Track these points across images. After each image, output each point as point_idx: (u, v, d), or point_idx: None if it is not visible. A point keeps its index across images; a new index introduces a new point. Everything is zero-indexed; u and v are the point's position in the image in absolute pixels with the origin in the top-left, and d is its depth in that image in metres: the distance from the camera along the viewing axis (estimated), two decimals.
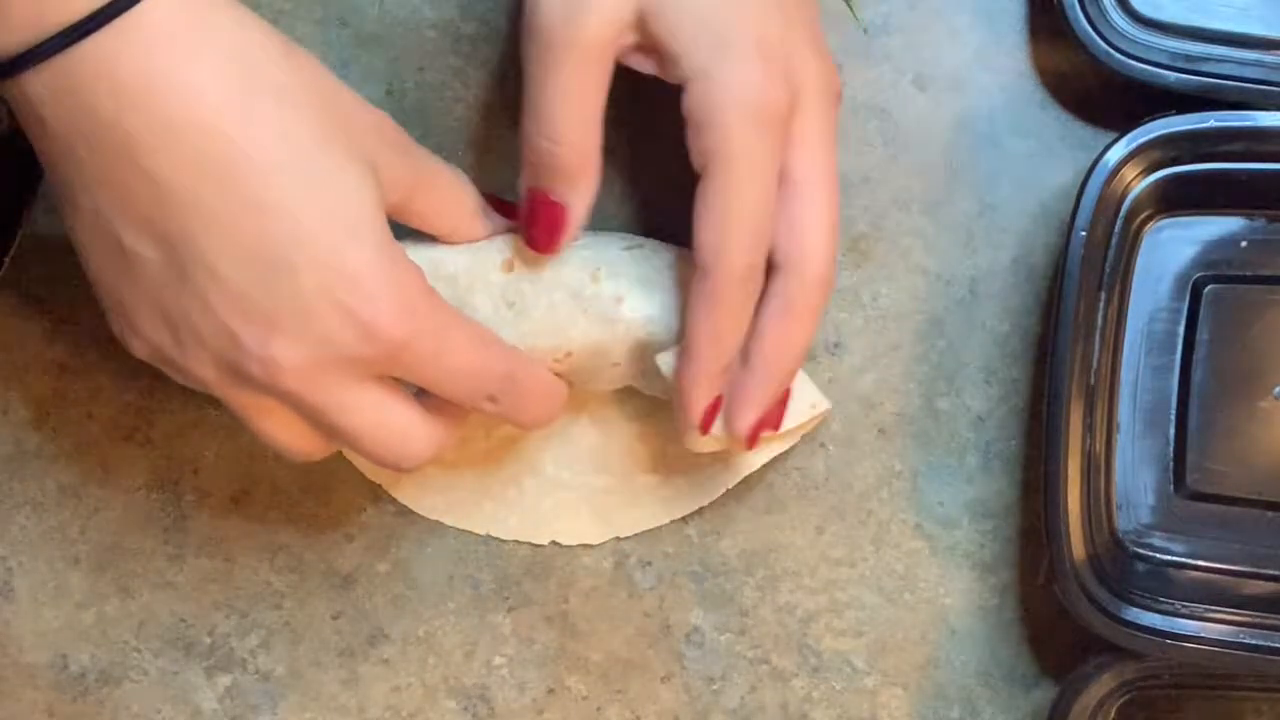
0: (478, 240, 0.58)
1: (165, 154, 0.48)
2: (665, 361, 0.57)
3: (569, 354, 0.57)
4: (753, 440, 0.58)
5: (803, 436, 0.64)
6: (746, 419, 0.57)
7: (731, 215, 0.53)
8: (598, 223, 0.63)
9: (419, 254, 0.57)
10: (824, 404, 0.62)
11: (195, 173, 0.49)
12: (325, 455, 0.56)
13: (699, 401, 0.56)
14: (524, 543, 0.65)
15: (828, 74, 0.55)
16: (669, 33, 0.53)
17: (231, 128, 0.49)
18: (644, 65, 0.55)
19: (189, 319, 0.51)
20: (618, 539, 0.65)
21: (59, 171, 0.51)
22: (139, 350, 0.53)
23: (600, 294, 0.57)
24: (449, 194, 0.56)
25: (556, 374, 0.58)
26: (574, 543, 0.65)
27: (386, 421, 0.53)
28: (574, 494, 0.64)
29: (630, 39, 0.54)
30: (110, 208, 0.50)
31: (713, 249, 0.54)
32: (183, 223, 0.49)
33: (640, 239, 0.60)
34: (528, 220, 0.56)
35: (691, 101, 0.53)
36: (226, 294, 0.50)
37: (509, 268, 0.57)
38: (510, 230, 0.58)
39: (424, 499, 0.64)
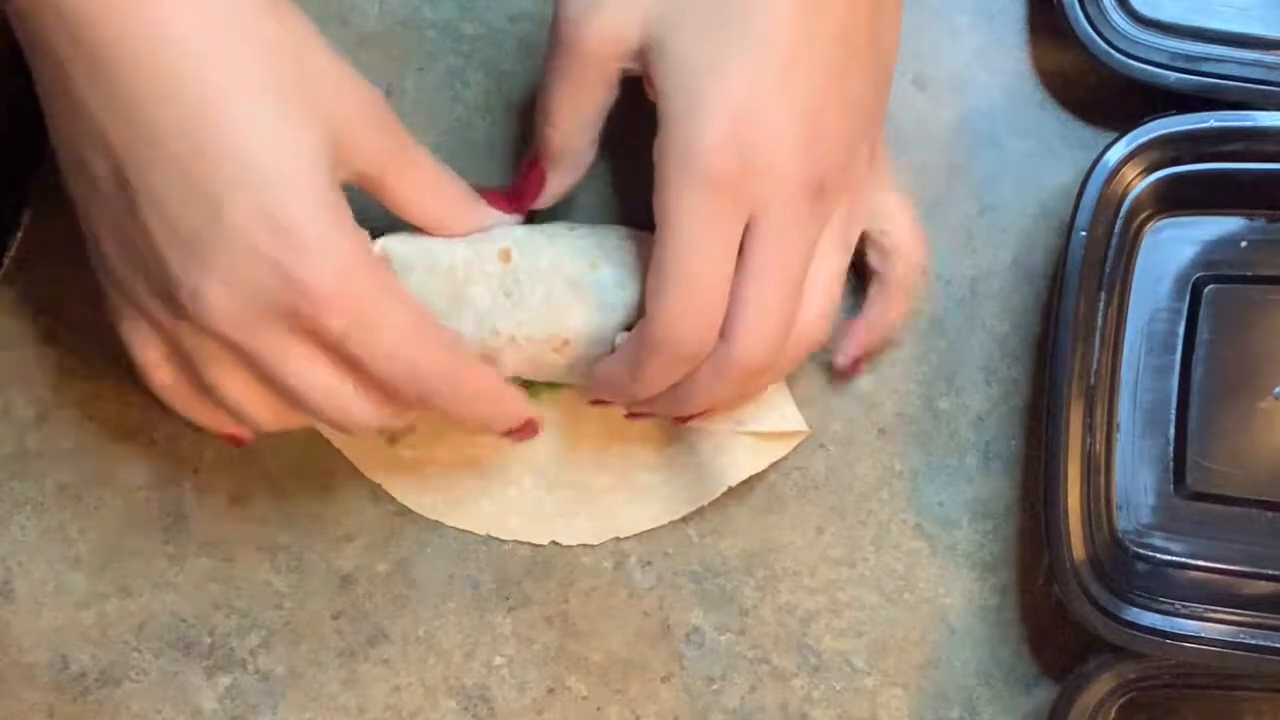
0: (463, 232, 0.58)
1: (122, 68, 0.49)
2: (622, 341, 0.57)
3: (566, 342, 0.57)
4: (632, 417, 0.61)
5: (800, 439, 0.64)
6: (632, 408, 0.59)
7: (663, 271, 0.52)
8: (597, 219, 0.63)
9: (416, 245, 0.57)
10: (799, 425, 0.63)
11: (148, 89, 0.49)
12: (287, 421, 0.56)
13: (595, 395, 0.58)
14: (524, 543, 0.65)
15: (806, 173, 0.53)
16: (657, 72, 0.53)
17: (193, 52, 0.49)
18: (651, 94, 0.55)
19: (133, 241, 0.52)
20: (618, 539, 0.65)
21: (43, 86, 0.52)
22: (105, 279, 0.54)
23: (599, 280, 0.57)
24: (429, 182, 0.56)
25: (554, 364, 0.58)
26: (574, 543, 0.65)
27: (324, 382, 0.53)
28: (574, 494, 0.64)
29: (634, 63, 0.54)
30: (76, 123, 0.51)
31: (650, 300, 0.53)
32: (131, 141, 0.50)
33: (637, 231, 0.60)
34: (516, 175, 0.59)
35: (655, 144, 0.53)
36: (161, 218, 0.51)
37: (506, 258, 0.57)
38: (505, 222, 0.59)
39: (424, 499, 0.64)
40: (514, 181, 0.59)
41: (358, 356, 0.52)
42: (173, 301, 0.52)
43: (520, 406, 0.57)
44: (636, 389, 0.56)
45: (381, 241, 0.58)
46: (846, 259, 0.57)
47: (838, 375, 0.64)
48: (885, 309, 0.62)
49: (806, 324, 0.56)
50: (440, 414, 0.55)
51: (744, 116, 0.51)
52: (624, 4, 0.53)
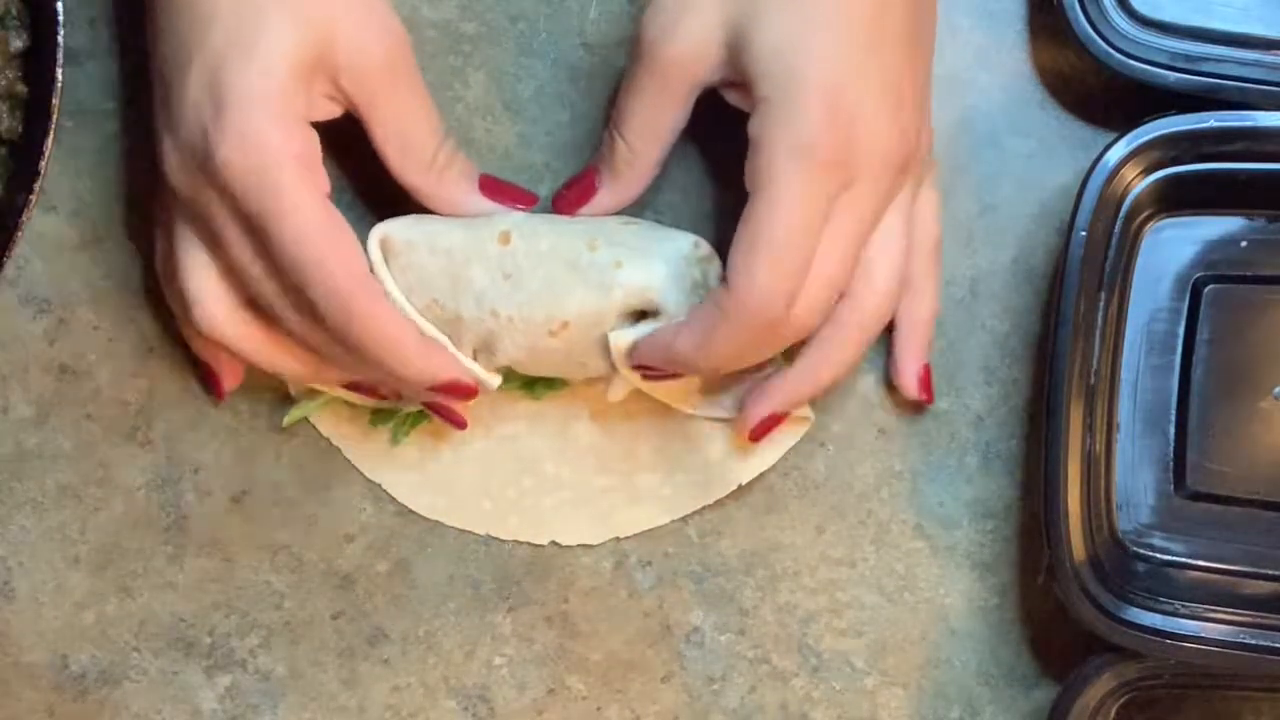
0: (443, 209, 0.58)
1: None
2: (619, 340, 0.58)
3: (565, 324, 0.57)
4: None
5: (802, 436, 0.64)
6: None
7: (762, 240, 0.53)
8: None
9: (417, 228, 0.58)
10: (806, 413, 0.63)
11: None
12: (232, 323, 0.57)
13: (642, 360, 0.58)
14: (524, 543, 0.65)
15: (897, 144, 0.55)
16: (750, 60, 0.54)
17: None
18: (736, 100, 0.56)
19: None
20: (618, 539, 0.65)
21: None
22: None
23: (597, 261, 0.57)
24: (407, 125, 0.57)
25: (552, 348, 0.58)
26: (574, 543, 0.65)
27: (250, 257, 0.55)
28: (574, 494, 0.64)
29: (720, 74, 0.56)
30: None
31: (739, 267, 0.54)
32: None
33: (634, 218, 0.60)
34: (568, 181, 0.61)
35: (751, 123, 0.54)
36: (160, 76, 0.55)
37: (505, 240, 0.58)
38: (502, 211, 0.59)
39: (424, 499, 0.64)
40: (566, 182, 0.61)
41: (263, 240, 0.53)
42: (162, 133, 0.55)
43: (437, 360, 0.57)
44: (701, 357, 0.56)
45: (382, 226, 0.58)
46: (909, 227, 0.58)
47: (917, 399, 0.63)
48: (918, 303, 0.62)
49: (872, 292, 0.58)
50: (341, 346, 0.56)
51: (839, 92, 0.53)
52: (702, 14, 0.55)
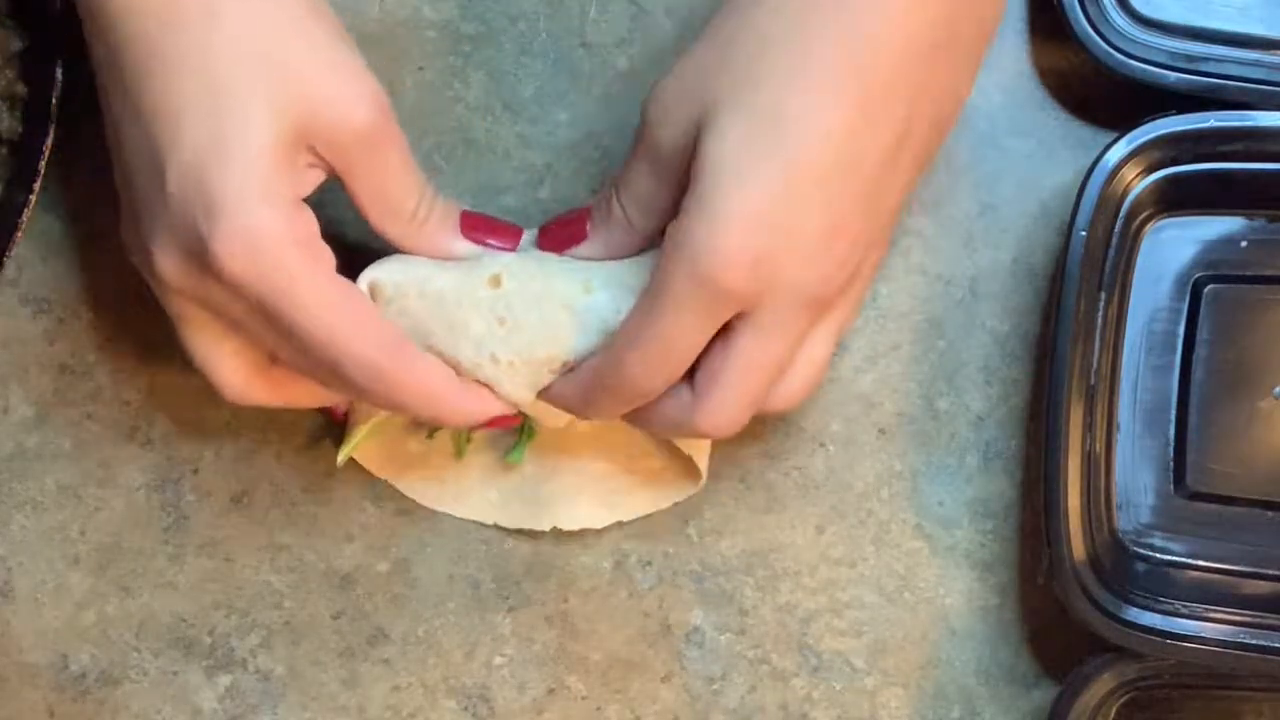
0: (424, 252, 0.57)
1: (111, 9, 0.51)
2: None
3: (565, 364, 0.56)
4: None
5: (801, 434, 0.64)
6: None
7: (638, 334, 0.53)
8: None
9: (404, 272, 0.56)
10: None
11: (126, 38, 0.51)
12: (265, 389, 0.57)
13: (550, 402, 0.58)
14: (524, 542, 0.65)
15: (811, 288, 0.52)
16: (699, 152, 0.52)
17: (193, 10, 0.51)
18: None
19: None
20: (617, 540, 0.65)
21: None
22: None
23: (595, 304, 0.56)
24: (388, 185, 0.55)
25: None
26: (575, 528, 0.64)
27: (209, 354, 0.55)
28: (575, 479, 0.64)
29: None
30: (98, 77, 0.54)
31: (617, 346, 0.54)
32: (113, 91, 0.52)
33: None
34: (559, 218, 0.58)
35: (671, 226, 0.52)
36: (124, 152, 0.53)
37: (496, 283, 0.56)
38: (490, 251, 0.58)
39: (426, 488, 0.64)
40: (552, 222, 0.58)
41: (280, 325, 0.53)
42: (134, 230, 0.54)
43: (479, 404, 0.56)
44: (587, 413, 0.56)
45: (370, 272, 0.56)
46: (833, 348, 0.56)
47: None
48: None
49: (785, 398, 0.55)
50: (363, 399, 0.56)
51: (762, 229, 0.50)
52: (687, 107, 0.52)
